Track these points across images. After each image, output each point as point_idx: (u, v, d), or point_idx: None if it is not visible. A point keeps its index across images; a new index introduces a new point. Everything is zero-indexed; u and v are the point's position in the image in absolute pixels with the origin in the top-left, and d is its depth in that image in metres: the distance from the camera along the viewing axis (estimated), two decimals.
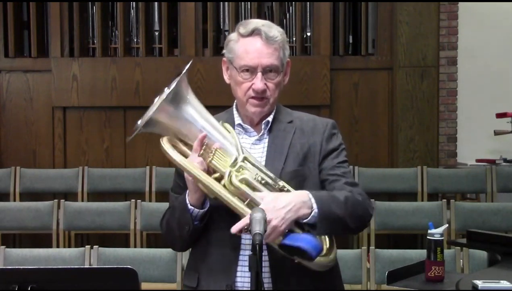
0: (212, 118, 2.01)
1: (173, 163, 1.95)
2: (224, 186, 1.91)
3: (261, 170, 1.95)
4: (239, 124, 2.11)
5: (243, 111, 2.11)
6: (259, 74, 2.02)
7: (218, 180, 1.92)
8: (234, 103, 2.15)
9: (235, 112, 2.13)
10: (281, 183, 1.95)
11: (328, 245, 1.97)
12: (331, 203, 1.93)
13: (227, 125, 2.03)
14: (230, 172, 1.91)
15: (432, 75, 6.14)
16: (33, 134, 6.30)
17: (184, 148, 1.99)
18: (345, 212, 1.95)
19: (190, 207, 1.98)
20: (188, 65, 1.98)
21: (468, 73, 6.79)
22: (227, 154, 1.96)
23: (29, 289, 1.78)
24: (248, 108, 2.06)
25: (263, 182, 1.92)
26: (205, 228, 2.03)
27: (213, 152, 1.93)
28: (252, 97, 2.04)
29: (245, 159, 1.94)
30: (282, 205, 1.86)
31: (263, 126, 2.10)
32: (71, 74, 6.21)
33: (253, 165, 1.95)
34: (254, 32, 2.04)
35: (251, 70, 2.03)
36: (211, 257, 2.03)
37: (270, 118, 2.10)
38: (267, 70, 2.03)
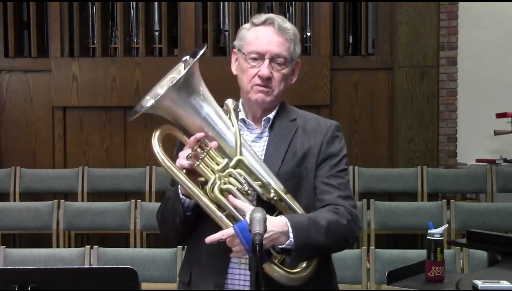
0: (218, 108, 1.98)
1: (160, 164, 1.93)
2: (206, 192, 1.90)
3: (255, 174, 1.92)
4: (242, 119, 2.09)
5: (247, 104, 2.09)
6: (266, 61, 2.00)
7: (204, 183, 1.91)
8: (240, 99, 2.12)
9: (240, 106, 2.11)
10: (272, 193, 1.91)
11: (305, 264, 1.94)
12: (311, 231, 1.88)
13: (233, 117, 1.98)
14: (214, 180, 1.89)
15: (432, 75, 6.13)
16: (33, 134, 6.29)
17: (184, 137, 1.98)
18: (326, 238, 1.90)
19: (181, 196, 1.97)
20: (202, 50, 1.94)
21: (468, 73, 6.80)
22: (221, 154, 1.94)
23: (29, 289, 1.78)
24: (251, 96, 2.04)
25: (249, 192, 1.90)
26: (198, 224, 2.02)
27: (206, 152, 1.90)
28: (257, 85, 2.02)
29: (239, 162, 1.92)
30: None
31: (263, 123, 2.08)
32: (71, 74, 6.21)
33: (246, 168, 1.92)
34: (267, 22, 2.04)
35: (259, 57, 2.01)
36: (203, 255, 2.02)
37: (271, 115, 2.08)
38: (275, 59, 2.01)
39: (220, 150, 1.95)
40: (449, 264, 3.61)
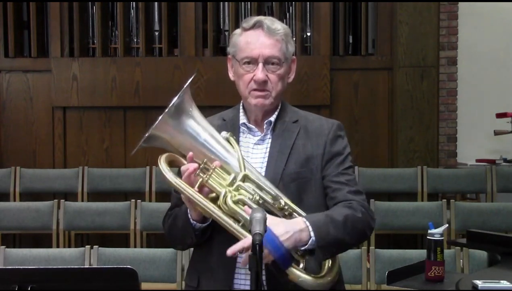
0: (215, 132, 1.98)
1: (169, 184, 1.92)
2: (219, 206, 1.88)
3: (261, 188, 1.91)
4: (244, 123, 2.10)
5: (248, 108, 2.10)
6: (260, 65, 2.01)
7: (215, 199, 1.90)
8: (241, 101, 2.13)
9: (241, 111, 2.12)
10: (283, 202, 1.90)
11: (329, 266, 1.94)
12: (329, 227, 1.89)
13: (232, 139, 1.99)
14: (225, 193, 1.88)
15: (432, 75, 6.13)
16: (33, 134, 6.30)
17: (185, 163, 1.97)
18: (344, 232, 1.91)
19: (192, 221, 1.97)
20: (190, 79, 1.96)
21: (468, 73, 6.80)
22: (227, 171, 1.93)
23: (29, 289, 1.79)
24: (250, 101, 2.05)
25: (260, 202, 1.89)
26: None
27: (212, 170, 1.89)
28: (254, 89, 2.03)
29: (245, 176, 1.91)
30: (280, 233, 1.81)
31: (265, 126, 2.08)
32: (71, 74, 6.21)
33: (253, 182, 1.91)
34: (256, 25, 2.04)
35: (252, 62, 2.02)
36: (212, 258, 2.02)
37: (272, 118, 2.08)
38: (268, 62, 2.02)
39: (223, 168, 1.94)
40: (449, 264, 3.61)
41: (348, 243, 1.96)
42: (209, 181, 1.89)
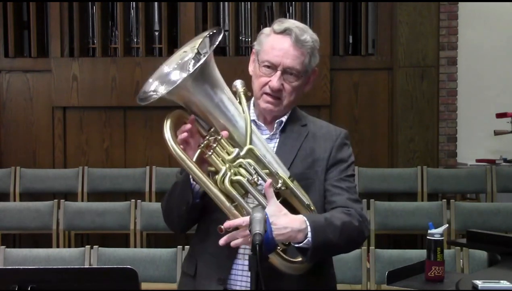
0: (231, 94, 1.97)
1: (170, 152, 1.90)
2: (216, 182, 1.88)
3: (263, 163, 1.92)
4: (253, 120, 2.10)
5: (257, 106, 2.11)
6: (278, 73, 2.02)
7: (214, 173, 1.90)
8: (253, 98, 2.13)
9: (252, 107, 2.13)
10: (279, 183, 1.91)
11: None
12: (327, 231, 1.91)
13: (244, 103, 1.98)
14: (225, 171, 1.88)
15: (432, 75, 6.13)
16: (33, 134, 6.30)
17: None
18: (340, 239, 1.93)
19: (192, 182, 1.96)
20: (220, 37, 1.97)
21: (468, 73, 6.80)
22: (231, 142, 1.92)
23: (29, 289, 1.79)
24: (260, 103, 2.07)
25: (258, 183, 1.89)
26: (206, 215, 2.03)
27: (217, 141, 1.89)
28: (267, 94, 2.04)
29: (249, 150, 1.91)
30: (278, 225, 1.83)
31: (275, 126, 2.10)
32: (71, 74, 6.21)
33: (256, 157, 1.92)
34: (285, 31, 2.06)
35: (272, 67, 2.03)
36: (210, 249, 2.03)
37: (284, 118, 2.10)
38: (287, 72, 2.03)
39: (231, 137, 1.94)
40: (449, 264, 3.61)
41: (341, 249, 2.01)
42: (212, 156, 1.89)
